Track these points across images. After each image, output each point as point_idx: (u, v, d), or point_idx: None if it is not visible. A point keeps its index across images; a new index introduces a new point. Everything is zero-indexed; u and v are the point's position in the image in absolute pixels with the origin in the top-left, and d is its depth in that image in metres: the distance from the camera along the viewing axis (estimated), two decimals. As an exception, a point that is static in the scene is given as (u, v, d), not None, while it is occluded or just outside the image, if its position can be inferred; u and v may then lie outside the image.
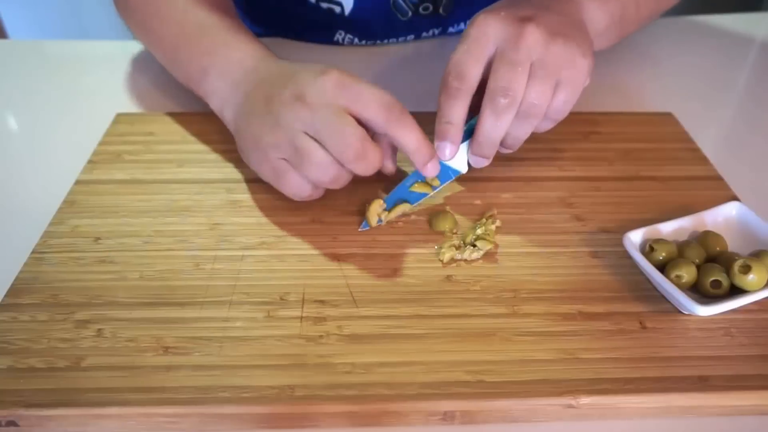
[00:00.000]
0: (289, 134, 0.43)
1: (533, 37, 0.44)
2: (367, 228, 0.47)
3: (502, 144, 0.47)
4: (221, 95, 0.51)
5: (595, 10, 0.52)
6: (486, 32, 0.45)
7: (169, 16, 0.57)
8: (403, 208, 0.47)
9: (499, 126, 0.45)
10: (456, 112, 0.45)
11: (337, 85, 0.43)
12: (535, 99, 0.44)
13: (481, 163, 0.48)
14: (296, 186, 0.45)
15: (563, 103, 0.46)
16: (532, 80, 0.44)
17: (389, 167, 0.47)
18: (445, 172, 0.48)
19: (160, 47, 0.59)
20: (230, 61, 0.51)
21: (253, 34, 0.54)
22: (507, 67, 0.44)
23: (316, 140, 0.43)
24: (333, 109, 0.42)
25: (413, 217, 0.48)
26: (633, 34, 0.74)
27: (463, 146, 0.47)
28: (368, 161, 0.43)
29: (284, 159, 0.44)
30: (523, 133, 0.47)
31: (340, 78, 0.43)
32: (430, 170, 0.45)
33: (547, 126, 0.48)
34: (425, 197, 0.49)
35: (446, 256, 0.44)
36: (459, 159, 0.48)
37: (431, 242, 0.46)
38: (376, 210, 0.47)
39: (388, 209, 0.47)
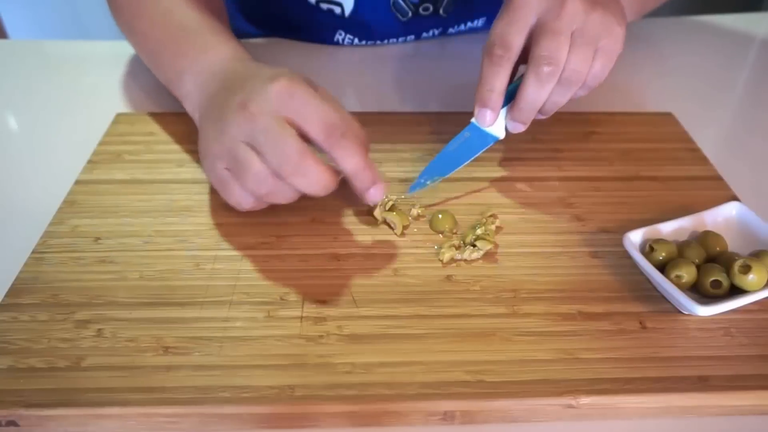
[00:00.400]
0: (230, 144, 0.42)
1: (574, 6, 0.45)
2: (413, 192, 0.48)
3: (539, 110, 0.48)
4: (192, 98, 0.50)
5: None
6: (528, 2, 0.46)
7: (152, 18, 0.56)
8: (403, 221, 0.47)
9: (542, 93, 0.46)
10: (499, 80, 0.46)
11: (283, 94, 0.41)
12: (577, 66, 0.45)
13: (519, 128, 0.49)
14: (238, 196, 0.44)
15: (600, 70, 0.47)
16: (573, 48, 0.45)
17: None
18: (484, 138, 0.49)
19: (144, 49, 0.59)
20: (203, 64, 0.50)
21: (234, 36, 0.54)
22: (550, 36, 0.45)
23: (256, 151, 0.41)
24: (274, 119, 0.41)
25: (412, 216, 0.48)
26: (633, 34, 0.74)
27: (501, 112, 0.48)
28: (310, 178, 0.41)
29: (227, 169, 0.43)
30: (562, 99, 0.48)
31: (288, 86, 0.41)
32: (372, 196, 0.43)
33: (583, 93, 0.49)
34: (461, 165, 0.49)
35: (446, 256, 0.44)
36: (497, 125, 0.48)
37: (431, 242, 0.46)
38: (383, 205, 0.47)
39: (425, 182, 0.48)
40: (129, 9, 0.59)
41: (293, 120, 0.41)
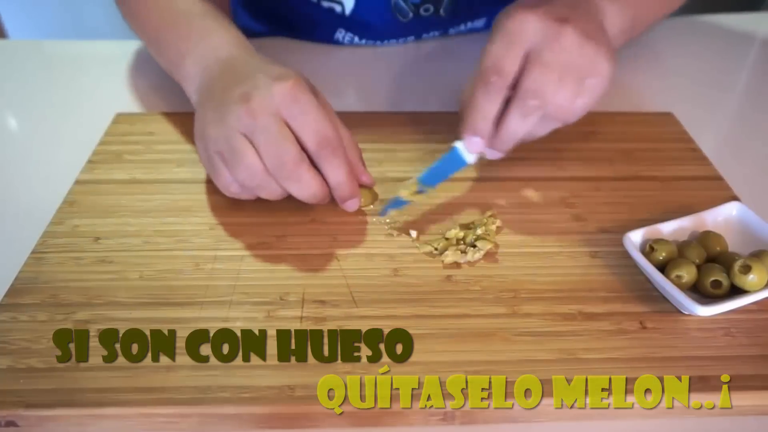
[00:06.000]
0: (228, 132, 0.43)
1: (569, 39, 0.43)
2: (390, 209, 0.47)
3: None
4: (193, 80, 0.51)
5: (614, 14, 0.51)
6: (525, 28, 0.44)
7: (154, 2, 0.58)
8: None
9: (525, 125, 0.45)
10: (492, 108, 0.45)
11: (287, 97, 0.43)
12: (562, 102, 0.44)
13: (497, 156, 0.48)
14: (225, 181, 0.45)
15: (582, 108, 0.46)
16: (561, 84, 0.44)
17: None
18: (459, 161, 0.48)
19: (145, 33, 0.60)
20: (206, 48, 0.51)
21: (234, 24, 0.54)
22: (541, 69, 0.43)
23: (253, 145, 0.43)
24: (273, 120, 0.42)
25: (410, 217, 0.48)
26: (633, 34, 0.73)
27: None
28: (301, 185, 0.43)
29: (221, 154, 0.44)
30: (542, 132, 0.47)
31: (292, 90, 0.43)
32: (348, 206, 0.46)
33: (558, 126, 0.48)
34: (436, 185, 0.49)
35: (449, 260, 0.44)
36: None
37: (431, 242, 0.46)
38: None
39: (426, 186, 0.48)
40: None
41: (290, 124, 0.43)
